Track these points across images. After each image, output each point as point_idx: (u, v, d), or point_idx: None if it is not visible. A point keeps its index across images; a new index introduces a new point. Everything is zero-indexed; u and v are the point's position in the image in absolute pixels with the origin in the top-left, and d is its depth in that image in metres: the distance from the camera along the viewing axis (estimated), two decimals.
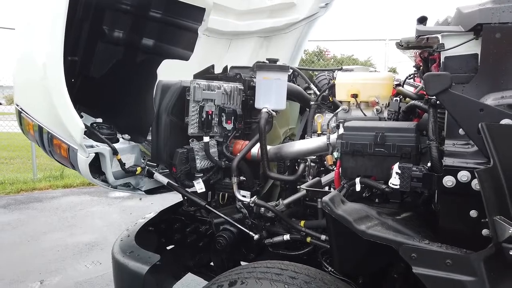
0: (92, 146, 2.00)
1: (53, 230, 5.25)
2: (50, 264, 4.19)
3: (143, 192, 2.46)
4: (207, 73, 2.66)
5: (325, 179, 2.15)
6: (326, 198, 1.38)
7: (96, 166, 2.09)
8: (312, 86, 2.81)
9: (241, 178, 2.27)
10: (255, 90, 2.51)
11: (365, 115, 1.95)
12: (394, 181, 1.40)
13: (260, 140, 2.16)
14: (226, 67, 2.70)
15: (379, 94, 1.94)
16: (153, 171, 2.38)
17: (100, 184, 2.16)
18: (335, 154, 1.96)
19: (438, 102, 1.41)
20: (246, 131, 2.54)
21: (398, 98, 1.91)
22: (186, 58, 2.34)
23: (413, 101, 1.69)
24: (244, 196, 2.22)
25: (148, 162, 2.45)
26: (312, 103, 2.53)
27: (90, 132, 2.07)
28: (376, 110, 1.94)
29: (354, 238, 1.74)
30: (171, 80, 2.39)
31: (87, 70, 2.33)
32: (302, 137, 2.54)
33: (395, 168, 1.40)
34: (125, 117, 2.32)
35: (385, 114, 1.93)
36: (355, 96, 1.97)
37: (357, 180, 1.56)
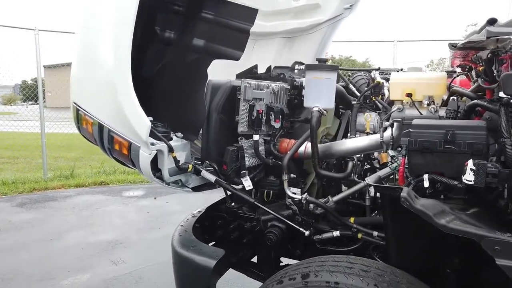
0: (152, 144, 2.05)
1: (73, 229, 5.28)
2: (76, 262, 4.23)
3: (190, 189, 2.50)
4: (250, 73, 2.72)
5: (375, 176, 2.21)
6: (403, 193, 1.44)
7: (152, 164, 2.13)
8: (350, 86, 2.87)
9: (292, 175, 2.32)
10: (299, 89, 2.57)
11: (420, 113, 2.01)
12: (469, 177, 1.45)
13: (311, 138, 2.21)
14: (269, 67, 2.75)
15: (433, 94, 2.00)
16: (200, 169, 2.42)
17: (156, 181, 2.20)
18: (390, 152, 2.02)
19: None
20: (290, 129, 2.59)
21: (455, 97, 1.97)
22: (237, 58, 2.39)
23: (475, 100, 1.75)
24: (294, 193, 2.27)
25: (195, 160, 2.50)
26: (354, 102, 2.59)
27: None
28: (433, 109, 2.00)
29: (413, 233, 1.80)
30: (221, 79, 2.44)
31: (138, 70, 2.36)
32: (345, 136, 2.60)
33: (470, 164, 1.45)
34: (176, 115, 2.35)
35: (441, 113, 1.99)
36: (410, 95, 2.03)
37: (426, 176, 1.62)
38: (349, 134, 2.54)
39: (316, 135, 2.21)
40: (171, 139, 2.27)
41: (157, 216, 5.84)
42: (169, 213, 5.88)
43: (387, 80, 2.70)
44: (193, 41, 2.36)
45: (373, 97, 2.55)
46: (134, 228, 5.38)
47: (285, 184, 2.27)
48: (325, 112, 2.23)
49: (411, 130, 1.67)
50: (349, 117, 2.63)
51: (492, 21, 1.54)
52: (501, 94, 1.49)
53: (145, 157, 1.98)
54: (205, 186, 2.58)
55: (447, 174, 1.60)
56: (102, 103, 2.02)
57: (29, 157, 10.71)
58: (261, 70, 2.92)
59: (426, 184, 1.61)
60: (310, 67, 2.25)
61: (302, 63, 3.08)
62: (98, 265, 4.18)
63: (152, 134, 2.12)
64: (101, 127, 2.08)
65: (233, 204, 2.65)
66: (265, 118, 2.37)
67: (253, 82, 2.32)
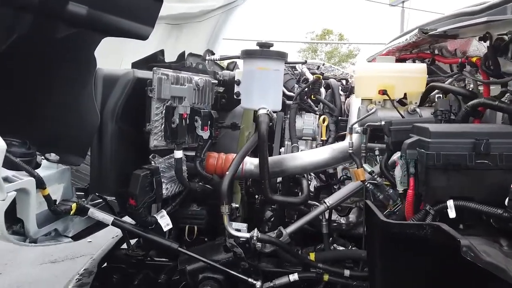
0: (7, 180, 1.14)
1: None
2: None
3: (70, 239, 1.62)
4: (154, 62, 1.93)
5: (335, 197, 1.73)
6: (465, 241, 0.97)
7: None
8: None
9: (234, 205, 1.66)
10: (228, 85, 1.92)
11: (402, 116, 1.59)
12: None
13: (260, 152, 1.59)
14: (183, 54, 2.02)
15: (413, 90, 1.59)
16: (87, 206, 1.57)
17: (12, 240, 1.29)
18: (366, 166, 1.55)
19: None
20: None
21: (441, 95, 1.61)
22: (143, 37, 1.59)
23: (480, 99, 1.41)
24: (238, 230, 1.62)
25: (76, 192, 1.63)
26: (291, 103, 2.07)
27: None
28: (417, 109, 1.59)
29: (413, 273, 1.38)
30: (117, 69, 1.62)
31: None
32: (282, 143, 2.05)
33: None
34: (45, 126, 1.45)
35: (424, 114, 1.60)
36: (384, 92, 1.58)
37: (450, 203, 1.19)
38: (288, 143, 2.01)
39: (266, 147, 1.60)
40: (38, 165, 1.36)
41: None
42: (15, 249, 4.44)
43: (322, 75, 2.27)
44: (68, 6, 1.45)
45: (312, 96, 2.07)
46: None
47: (226, 219, 1.60)
48: (274, 115, 1.64)
49: (430, 140, 1.21)
50: (284, 120, 2.10)
51: None
52: None
53: None
54: (91, 229, 1.73)
55: (479, 198, 1.20)
56: None
57: None
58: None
59: (452, 214, 1.18)
60: (252, 54, 1.62)
61: (213, 53, 2.42)
62: None
63: (4, 162, 1.19)
64: None
65: (133, 243, 1.88)
66: (186, 125, 1.66)
67: (170, 73, 1.58)
